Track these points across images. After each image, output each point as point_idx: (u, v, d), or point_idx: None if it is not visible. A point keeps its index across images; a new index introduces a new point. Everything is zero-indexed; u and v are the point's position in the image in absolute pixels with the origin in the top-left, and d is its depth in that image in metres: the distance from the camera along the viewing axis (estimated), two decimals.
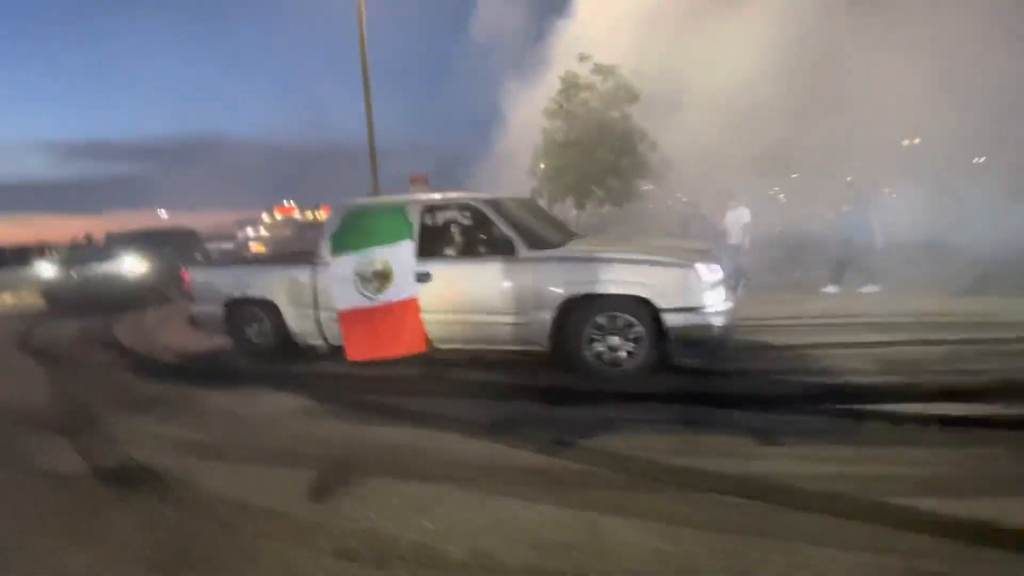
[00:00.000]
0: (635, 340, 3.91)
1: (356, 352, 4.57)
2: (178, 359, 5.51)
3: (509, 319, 4.19)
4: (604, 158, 10.03)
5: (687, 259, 3.85)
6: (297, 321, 4.92)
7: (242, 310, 5.19)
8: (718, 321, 3.74)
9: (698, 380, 3.88)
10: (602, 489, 2.50)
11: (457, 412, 3.55)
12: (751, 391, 3.63)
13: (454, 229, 4.77)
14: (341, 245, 4.67)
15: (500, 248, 4.25)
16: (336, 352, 4.83)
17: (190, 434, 3.44)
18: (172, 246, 10.38)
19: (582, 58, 9.89)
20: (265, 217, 32.31)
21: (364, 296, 4.53)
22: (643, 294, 3.80)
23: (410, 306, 4.42)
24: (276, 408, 3.85)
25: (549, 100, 10.93)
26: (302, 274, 4.87)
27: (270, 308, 5.02)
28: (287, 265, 5.11)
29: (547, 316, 4.06)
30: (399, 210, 4.59)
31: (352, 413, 3.67)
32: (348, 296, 4.57)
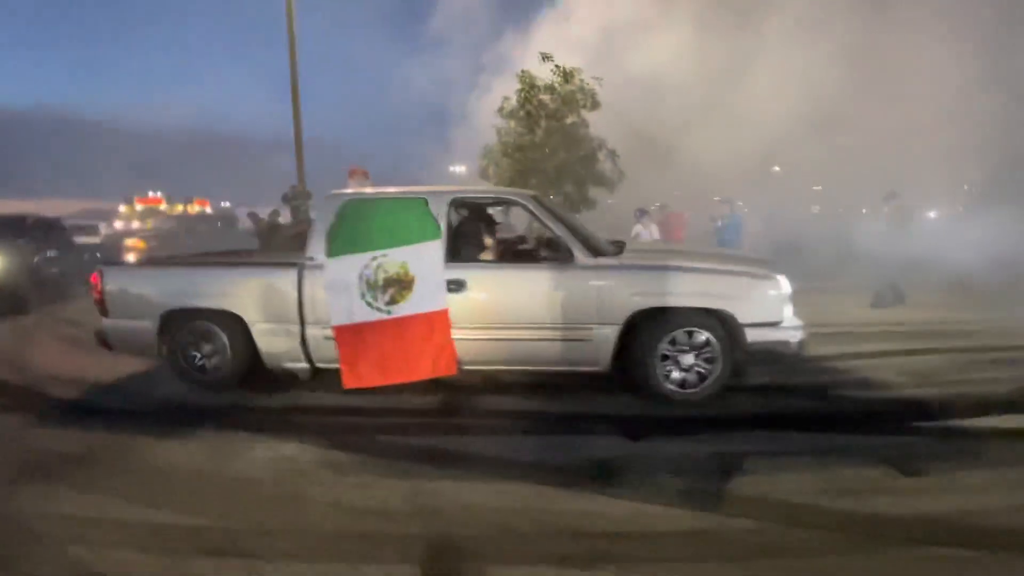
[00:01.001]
0: (709, 358, 3.52)
1: (357, 377, 3.63)
2: (86, 395, 4.02)
3: (564, 336, 3.56)
4: (563, 163, 9.75)
5: (766, 270, 3.57)
6: (272, 339, 3.81)
7: (186, 326, 3.92)
8: (797, 336, 3.49)
9: (775, 400, 3.61)
10: (801, 554, 2.01)
11: (528, 454, 2.85)
12: (839, 410, 3.44)
13: (490, 229, 4.03)
14: (340, 244, 3.70)
15: (554, 253, 3.61)
16: (324, 379, 3.83)
17: (155, 516, 2.30)
18: (30, 239, 8.01)
19: (544, 58, 9.51)
20: (123, 208, 27.69)
21: (372, 308, 3.62)
22: (726, 307, 3.43)
23: (438, 320, 3.61)
24: (275, 462, 2.81)
25: (504, 99, 10.43)
26: (283, 279, 3.78)
27: (231, 323, 3.84)
28: (259, 267, 3.95)
29: (611, 332, 3.51)
30: (421, 204, 3.75)
31: (392, 463, 2.76)
32: (349, 307, 3.63)
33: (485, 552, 2.02)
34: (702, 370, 3.53)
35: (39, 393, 4.00)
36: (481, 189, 3.88)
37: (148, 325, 3.91)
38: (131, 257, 12.05)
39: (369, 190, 3.92)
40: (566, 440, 3.06)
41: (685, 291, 3.45)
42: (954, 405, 3.46)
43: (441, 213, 3.70)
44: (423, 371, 3.65)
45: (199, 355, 3.94)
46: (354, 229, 3.76)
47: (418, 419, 3.46)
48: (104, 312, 4.01)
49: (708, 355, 3.51)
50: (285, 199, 10.35)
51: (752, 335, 3.42)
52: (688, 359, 3.52)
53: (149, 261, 4.33)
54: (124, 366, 4.48)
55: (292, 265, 3.84)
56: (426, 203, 3.75)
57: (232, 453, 2.92)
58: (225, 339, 3.89)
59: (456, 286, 3.58)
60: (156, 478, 2.66)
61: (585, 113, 9.82)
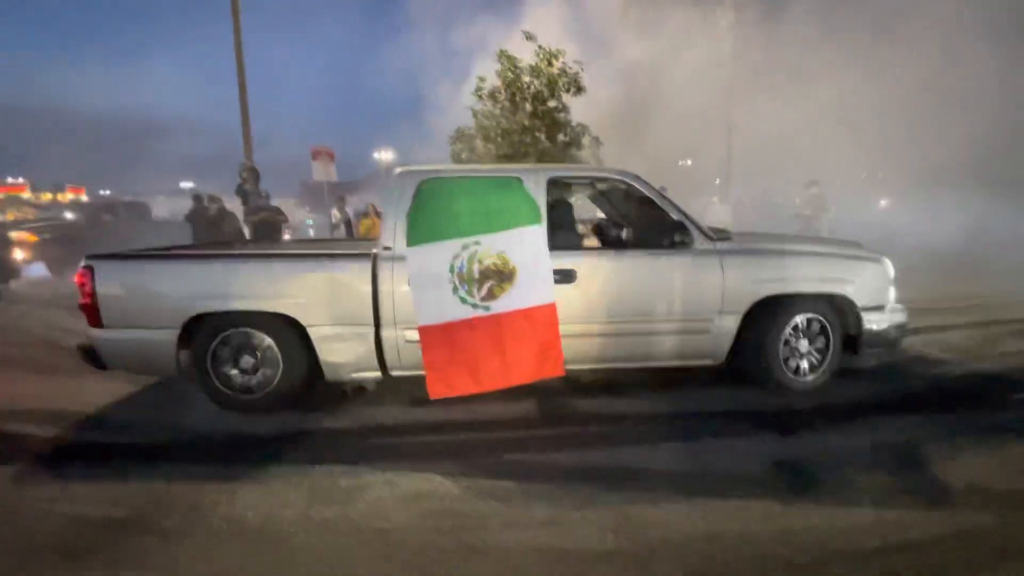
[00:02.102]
0: (822, 345, 3.43)
1: (447, 385, 3.11)
2: (85, 431, 3.06)
3: (683, 328, 3.28)
4: (547, 149, 9.44)
5: (871, 253, 3.54)
6: (337, 346, 3.13)
7: (220, 335, 3.11)
8: (902, 319, 3.51)
9: (877, 383, 3.60)
10: None
11: (693, 462, 2.53)
12: (943, 389, 3.49)
13: (599, 210, 3.61)
14: (423, 231, 3.13)
15: (670, 237, 3.30)
16: (391, 390, 3.25)
17: None
18: None
19: (528, 37, 9.09)
20: None
21: (466, 304, 3.10)
22: (844, 291, 3.34)
23: (545, 316, 3.16)
24: (412, 502, 2.22)
25: (479, 80, 9.86)
26: (354, 273, 3.11)
27: (284, 328, 3.11)
28: (322, 260, 3.21)
29: (733, 323, 3.29)
30: (516, 183, 3.26)
31: (560, 488, 2.30)
32: (439, 304, 3.09)
33: None
34: (814, 358, 3.43)
35: (17, 435, 2.97)
36: (579, 167, 3.44)
37: (164, 336, 3.06)
38: (21, 254, 9.96)
39: (442, 167, 3.33)
40: (720, 443, 2.78)
41: (808, 276, 3.31)
42: None
43: (539, 194, 3.24)
44: (525, 374, 3.19)
45: (239, 371, 3.16)
46: (437, 212, 3.19)
47: (535, 431, 3.00)
48: (96, 321, 3.07)
49: (821, 342, 3.42)
50: (240, 190, 9.00)
51: (868, 319, 3.38)
52: (804, 346, 3.40)
53: (155, 253, 3.37)
54: (97, 390, 3.53)
55: (363, 256, 3.17)
56: (521, 183, 3.27)
57: (345, 494, 2.30)
58: (276, 349, 3.14)
59: (567, 276, 3.16)
60: (257, 541, 1.99)
61: (566, 98, 9.54)
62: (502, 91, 9.37)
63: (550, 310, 3.16)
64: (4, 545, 1.98)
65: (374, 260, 3.13)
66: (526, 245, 3.17)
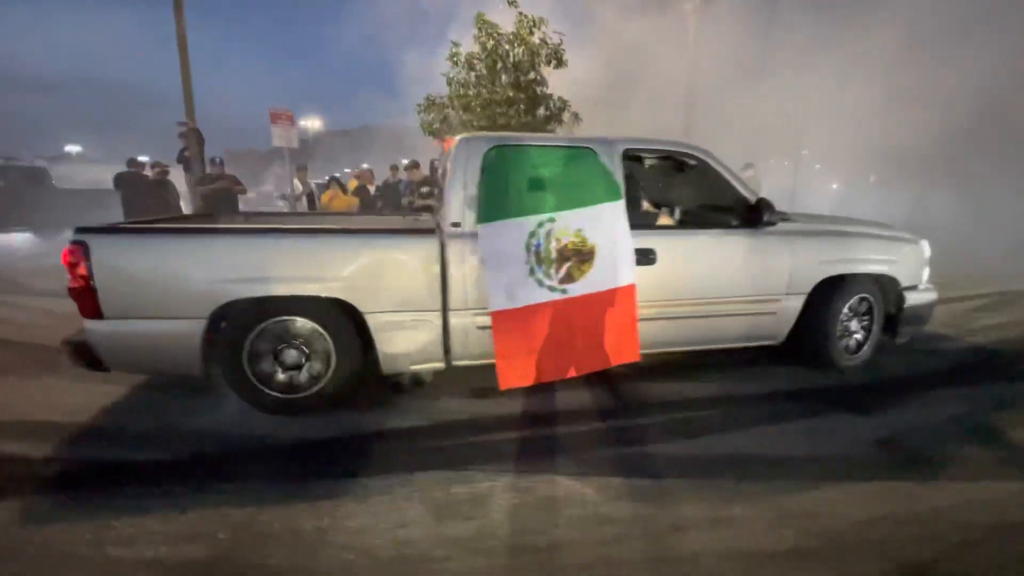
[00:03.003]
0: (867, 324, 3.55)
1: (519, 375, 2.88)
2: (95, 448, 2.44)
3: (754, 310, 3.24)
4: (527, 123, 9.12)
5: (911, 234, 3.68)
6: (399, 335, 2.76)
7: (258, 325, 2.62)
8: (933, 297, 3.71)
9: (916, 358, 3.79)
10: None
11: (795, 446, 2.50)
12: (983, 362, 3.76)
13: (668, 187, 3.42)
14: (495, 206, 2.81)
15: (741, 216, 3.21)
16: (445, 381, 2.96)
17: None
18: None
19: (510, 2, 8.61)
20: None
21: (543, 287, 2.86)
22: (891, 272, 3.46)
23: (624, 298, 2.99)
24: (555, 507, 2.01)
25: (453, 45, 9.25)
26: (419, 252, 2.73)
27: (337, 315, 2.68)
28: (382, 236, 2.77)
29: (797, 303, 3.30)
30: (591, 155, 3.01)
31: (705, 483, 2.17)
32: (512, 287, 2.82)
33: None
34: (860, 336, 3.55)
35: (17, 457, 2.31)
36: (651, 140, 3.23)
37: (186, 328, 2.52)
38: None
39: (499, 135, 2.98)
40: (810, 424, 2.75)
41: (865, 257, 3.38)
42: None
43: (616, 167, 3.02)
44: (601, 360, 3.02)
45: (273, 366, 2.68)
46: (509, 186, 2.88)
47: (622, 420, 2.81)
48: (91, 310, 2.46)
49: (867, 320, 3.54)
50: (181, 157, 7.83)
51: (910, 298, 3.53)
52: (854, 325, 3.51)
53: (166, 227, 2.72)
54: (74, 394, 2.92)
55: (428, 233, 2.79)
56: (596, 155, 3.02)
57: (469, 506, 2.00)
58: (328, 339, 2.70)
59: (647, 257, 2.99)
60: (405, 573, 1.67)
61: (546, 71, 9.22)
62: (480, 58, 8.83)
63: (630, 292, 2.98)
64: None
65: (441, 238, 2.76)
66: (605, 223, 2.95)
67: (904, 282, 3.51)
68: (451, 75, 9.30)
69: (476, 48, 8.99)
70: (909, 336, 3.69)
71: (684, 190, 3.43)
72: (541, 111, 9.26)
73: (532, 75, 9.13)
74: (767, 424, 2.76)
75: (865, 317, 3.51)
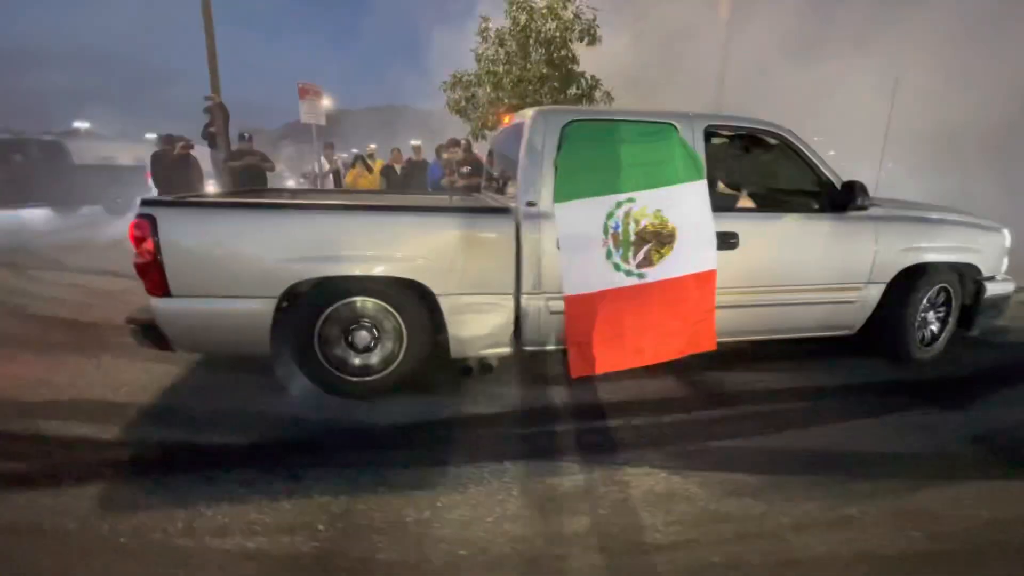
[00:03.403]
0: (944, 315, 3.41)
1: (591, 363, 2.75)
2: (160, 428, 2.37)
3: (833, 298, 3.11)
4: (560, 100, 8.88)
5: (993, 222, 3.51)
6: (470, 318, 2.64)
7: (328, 306, 2.52)
8: (1012, 288, 3.55)
9: (1005, 351, 3.65)
10: None
11: (895, 442, 2.40)
12: None
13: (748, 168, 3.26)
14: (572, 184, 2.66)
15: (825, 199, 3.05)
16: (507, 367, 2.85)
17: None
18: None
19: None
20: None
21: (620, 271, 2.72)
22: (973, 261, 3.30)
23: (705, 284, 2.85)
24: (666, 503, 1.91)
25: (483, 20, 8.97)
26: (494, 232, 2.60)
27: (410, 297, 2.57)
28: (454, 215, 2.64)
29: (877, 292, 3.16)
30: (671, 132, 2.84)
31: (819, 479, 2.07)
32: (588, 271, 2.68)
33: None
34: (935, 327, 3.41)
35: (66, 438, 2.24)
36: (733, 117, 3.06)
37: (257, 307, 2.41)
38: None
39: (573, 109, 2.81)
40: (898, 420, 2.63)
41: (948, 245, 3.22)
42: None
43: (698, 145, 2.86)
44: (676, 349, 2.89)
45: (346, 349, 2.59)
46: (587, 163, 2.72)
47: (705, 412, 2.67)
48: (159, 287, 2.35)
49: (943, 311, 3.40)
50: (207, 133, 7.65)
51: (991, 289, 3.38)
52: (931, 316, 3.37)
53: (236, 201, 2.61)
54: (125, 373, 2.85)
55: (503, 211, 2.66)
56: (676, 131, 2.86)
57: (574, 500, 1.90)
58: (401, 321, 2.60)
59: (729, 241, 2.84)
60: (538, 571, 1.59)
61: (578, 48, 8.92)
62: (512, 34, 8.56)
63: (710, 277, 2.83)
64: None
65: (516, 217, 2.63)
66: (687, 204, 2.79)
67: (985, 272, 3.36)
68: (480, 51, 9.05)
69: (507, 23, 8.71)
70: (984, 328, 3.55)
71: (764, 171, 3.27)
72: (573, 89, 9.00)
73: (565, 51, 8.86)
74: (855, 418, 2.64)
75: (942, 308, 3.37)
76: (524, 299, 2.69)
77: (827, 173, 3.04)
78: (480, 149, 8.82)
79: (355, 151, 8.29)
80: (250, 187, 6.82)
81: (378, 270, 2.49)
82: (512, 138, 3.00)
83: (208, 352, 2.76)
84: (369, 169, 8.14)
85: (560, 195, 2.65)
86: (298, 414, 2.48)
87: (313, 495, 1.88)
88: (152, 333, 2.44)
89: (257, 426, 2.36)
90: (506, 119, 3.42)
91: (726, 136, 3.09)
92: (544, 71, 8.29)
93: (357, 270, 2.47)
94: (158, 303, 2.39)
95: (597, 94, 9.14)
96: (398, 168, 8.13)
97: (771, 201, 3.17)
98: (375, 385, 2.63)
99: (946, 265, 3.25)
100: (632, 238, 2.72)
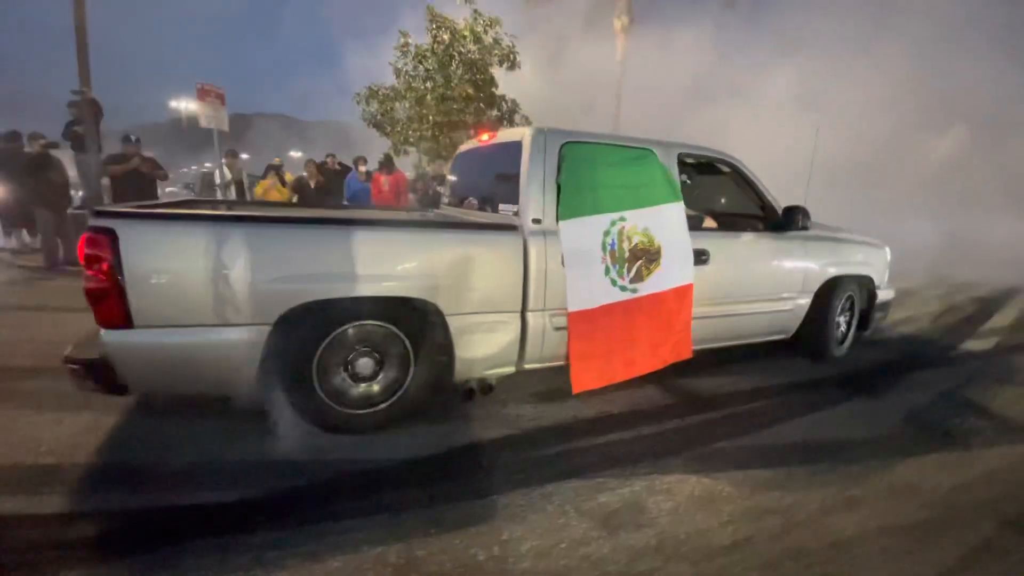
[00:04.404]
0: (849, 319, 4.07)
1: (592, 376, 2.88)
2: (158, 492, 1.88)
3: (776, 307, 3.54)
4: (482, 121, 9.01)
5: (878, 240, 4.27)
6: (477, 338, 2.56)
7: (331, 331, 2.26)
8: (892, 295, 4.36)
9: (886, 349, 4.40)
10: None
11: (867, 431, 2.80)
12: (934, 351, 4.45)
13: (709, 191, 3.55)
14: (573, 204, 2.77)
15: (769, 220, 3.49)
16: (503, 387, 2.85)
17: None
18: None
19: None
20: None
21: (616, 286, 2.88)
22: (871, 273, 4.00)
23: (685, 297, 3.11)
24: (708, 505, 2.00)
25: (402, 35, 8.83)
26: (503, 249, 2.56)
27: (417, 318, 2.42)
28: (464, 231, 2.53)
29: (807, 300, 3.68)
30: (652, 156, 3.08)
31: (826, 464, 2.32)
32: (590, 287, 2.80)
33: None
34: (844, 329, 4.06)
35: (23, 517, 1.69)
36: (697, 146, 3.36)
37: (244, 337, 2.09)
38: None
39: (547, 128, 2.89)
40: (845, 410, 3.06)
41: (857, 260, 3.87)
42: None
43: (674, 170, 3.12)
44: (663, 358, 3.11)
45: (353, 379, 2.35)
46: (583, 182, 2.83)
47: (698, 416, 2.83)
48: (117, 317, 1.94)
49: (849, 316, 4.06)
50: (70, 132, 6.45)
51: (881, 296, 4.12)
52: (843, 320, 4.00)
53: (218, 214, 2.19)
54: (53, 427, 2.31)
55: (511, 228, 2.63)
56: (656, 156, 3.09)
57: (625, 513, 1.91)
58: (407, 345, 2.42)
59: (702, 257, 3.12)
60: None
61: (497, 72, 9.18)
62: (433, 52, 8.53)
63: (688, 291, 3.09)
64: None
65: (523, 235, 2.62)
66: (669, 223, 3.03)
67: (877, 282, 4.08)
68: (400, 65, 8.88)
69: (428, 40, 8.68)
70: (874, 328, 4.30)
71: (722, 195, 3.64)
72: (494, 111, 9.20)
73: (485, 75, 9.04)
74: (811, 412, 3.02)
75: (847, 312, 4.02)
76: (529, 316, 2.67)
77: (769, 198, 3.50)
78: (401, 164, 8.59)
79: (275, 163, 7.53)
80: (138, 199, 5.89)
81: (386, 290, 2.30)
82: (503, 155, 2.99)
83: (172, 391, 2.29)
84: (283, 181, 7.47)
85: (565, 213, 2.71)
86: (291, 459, 2.17)
87: (362, 548, 1.65)
88: (101, 373, 1.98)
89: (250, 478, 2.02)
90: (484, 135, 3.40)
91: (692, 163, 3.40)
92: (470, 91, 8.36)
93: (364, 290, 2.26)
94: (114, 336, 1.95)
95: (516, 117, 9.46)
96: (312, 182, 7.55)
97: (728, 222, 3.55)
98: (378, 417, 2.41)
99: (852, 277, 3.89)
100: (626, 255, 2.87)
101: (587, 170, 2.85)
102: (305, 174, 7.47)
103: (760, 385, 3.40)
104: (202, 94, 6.68)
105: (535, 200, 2.69)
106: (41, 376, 2.89)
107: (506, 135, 3.10)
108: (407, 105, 8.67)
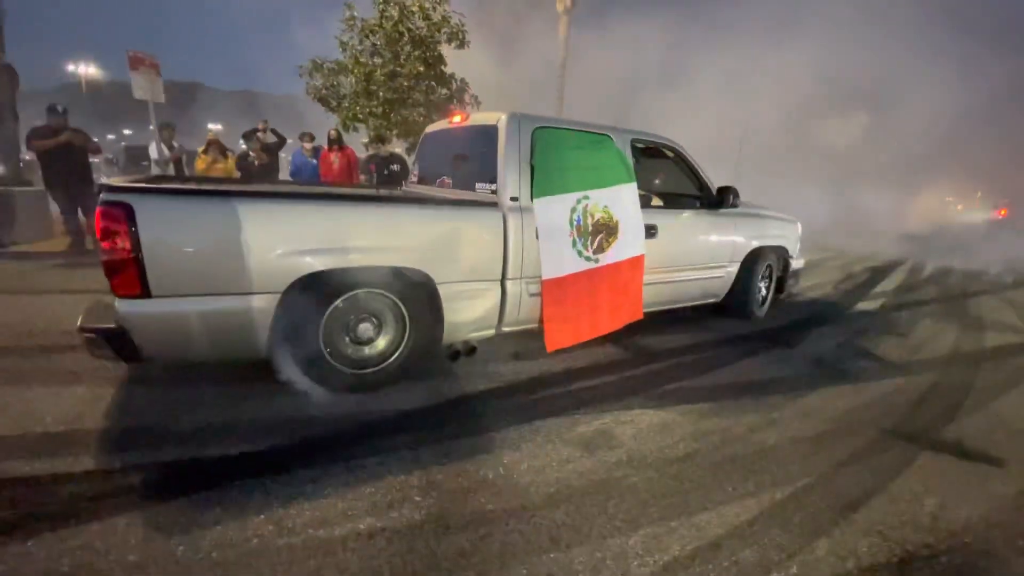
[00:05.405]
0: (767, 284, 4.74)
1: (563, 337, 3.29)
2: (181, 447, 2.01)
3: (710, 274, 4.10)
4: (434, 100, 9.05)
5: (791, 216, 4.95)
6: (463, 304, 2.87)
7: (335, 299, 2.49)
8: (802, 264, 5.09)
9: (792, 311, 5.14)
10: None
11: (785, 371, 3.41)
12: (833, 310, 5.25)
13: (655, 173, 3.96)
14: (545, 183, 3.12)
15: (706, 199, 4.01)
16: (486, 348, 3.21)
17: None
18: None
19: None
20: None
21: (582, 257, 3.29)
22: (786, 245, 4.67)
23: (638, 267, 3.57)
24: (668, 429, 2.46)
25: (347, 7, 8.62)
26: (486, 223, 2.86)
27: (413, 287, 2.68)
28: (452, 207, 2.77)
29: (735, 269, 4.27)
30: (609, 142, 3.47)
31: (752, 396, 2.86)
32: (560, 257, 3.19)
33: None
34: (764, 293, 4.73)
35: (59, 475, 1.79)
36: (646, 132, 3.77)
37: (257, 305, 2.28)
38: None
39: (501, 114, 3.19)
40: (771, 357, 3.67)
41: (775, 233, 4.51)
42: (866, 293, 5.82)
43: (628, 154, 3.54)
44: (621, 320, 3.56)
45: (355, 342, 2.59)
46: (553, 165, 3.18)
47: (646, 367, 3.34)
48: (135, 287, 2.07)
49: (767, 282, 4.74)
50: None
51: (794, 265, 4.83)
52: (763, 286, 4.66)
53: (230, 189, 2.26)
54: (53, 399, 2.39)
55: (492, 205, 2.93)
56: (612, 141, 3.49)
57: (603, 438, 2.32)
58: (404, 311, 2.68)
59: (651, 231, 3.58)
60: (602, 488, 1.98)
61: (446, 50, 9.21)
62: (382, 27, 8.42)
63: (640, 261, 3.55)
64: None
65: (502, 210, 2.93)
66: (625, 201, 3.45)
67: (791, 252, 4.78)
68: (345, 39, 8.68)
69: (375, 15, 8.54)
70: (788, 292, 5.03)
71: (666, 176, 4.11)
72: (444, 90, 9.25)
73: (436, 52, 9.04)
74: (741, 360, 3.60)
75: (766, 279, 4.69)
76: (508, 284, 3.00)
77: (705, 179, 4.01)
78: (349, 141, 8.49)
79: (213, 137, 7.19)
80: (70, 176, 5.55)
81: (387, 261, 2.54)
82: (477, 137, 3.25)
83: (187, 358, 2.40)
84: (224, 155, 7.20)
85: (538, 191, 3.04)
86: (299, 415, 2.39)
87: (387, 476, 1.95)
88: (118, 341, 2.09)
89: (269, 432, 2.23)
90: (456, 116, 3.63)
91: (641, 147, 3.82)
92: (420, 69, 8.37)
93: (365, 261, 2.48)
94: (132, 306, 2.07)
95: (466, 96, 9.56)
96: (256, 162, 7.33)
97: (671, 200, 4.04)
98: (377, 377, 2.66)
99: (771, 248, 4.55)
100: (590, 229, 3.26)
101: (556, 153, 3.18)
102: (251, 154, 7.24)
103: (697, 341, 3.96)
104: (135, 62, 6.27)
105: (512, 179, 2.99)
106: (11, 355, 2.87)
107: (480, 118, 3.36)
108: (353, 80, 8.53)
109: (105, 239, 2.00)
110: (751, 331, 4.29)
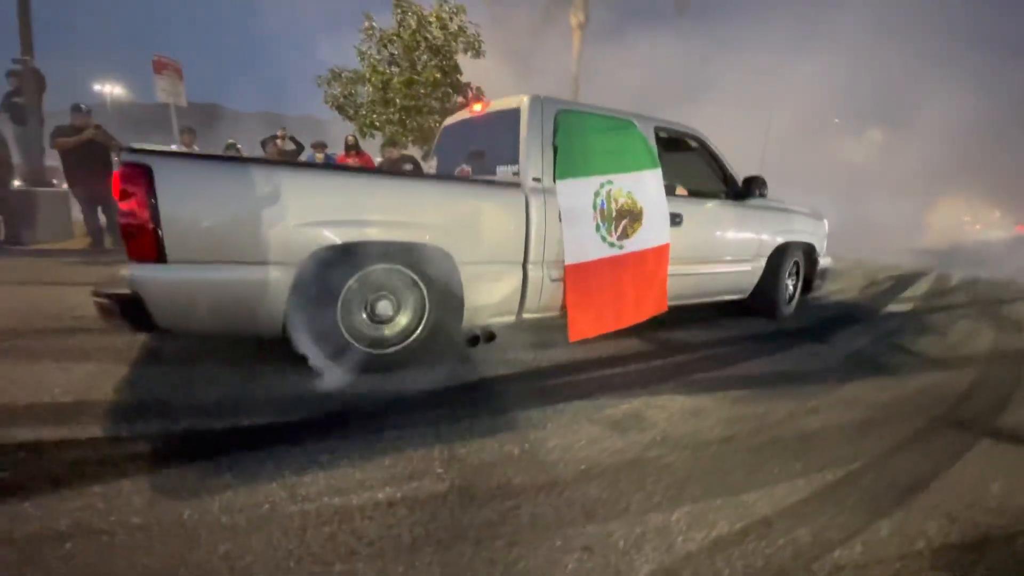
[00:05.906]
0: (795, 282, 4.58)
1: (586, 326, 3.15)
2: (205, 418, 1.92)
3: (737, 268, 3.97)
4: (449, 107, 9.13)
5: (819, 212, 4.82)
6: (484, 286, 2.77)
7: (354, 273, 2.41)
8: (830, 263, 4.93)
9: (821, 310, 4.97)
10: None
11: (817, 365, 3.25)
12: (866, 311, 5.06)
13: (680, 161, 3.88)
14: (568, 165, 3.04)
15: (731, 191, 3.90)
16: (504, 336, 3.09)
17: None
18: None
19: None
20: None
21: (606, 243, 3.18)
22: (814, 242, 4.52)
23: (663, 256, 3.45)
24: (701, 415, 2.31)
25: (366, 17, 8.79)
26: (508, 204, 2.78)
27: (434, 264, 2.59)
28: (474, 186, 2.71)
29: (761, 264, 4.14)
30: (633, 128, 3.39)
31: (786, 385, 2.70)
32: (583, 242, 3.09)
33: None
34: (791, 290, 4.57)
35: (65, 441, 1.71)
36: (670, 121, 3.70)
37: (273, 276, 2.20)
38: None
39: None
40: (798, 352, 3.50)
41: (803, 229, 4.38)
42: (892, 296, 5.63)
43: (651, 140, 3.46)
44: (646, 311, 3.43)
45: (372, 320, 2.49)
46: (575, 147, 3.11)
47: (678, 357, 3.18)
48: (150, 252, 2.01)
49: (795, 279, 4.58)
50: (8, 103, 6.03)
51: (822, 262, 4.67)
52: (791, 283, 4.50)
53: (248, 157, 2.23)
54: (60, 372, 2.31)
55: (515, 186, 2.85)
56: (636, 127, 3.42)
57: (634, 421, 2.17)
58: (423, 289, 2.59)
59: (676, 219, 3.47)
60: (632, 467, 1.83)
61: (461, 59, 9.34)
62: (400, 37, 8.57)
63: (665, 250, 3.43)
64: None
65: (525, 191, 2.85)
66: (649, 188, 3.35)
67: (818, 250, 4.63)
68: (364, 48, 8.84)
69: (393, 24, 8.70)
70: (816, 291, 4.86)
71: (690, 165, 4.02)
72: (459, 98, 9.33)
73: (453, 61, 9.16)
74: (772, 354, 3.44)
75: (794, 276, 4.53)
76: (530, 267, 2.90)
77: (730, 170, 3.91)
78: (366, 148, 8.56)
79: (233, 141, 7.29)
80: (93, 173, 5.62)
81: (408, 236, 2.46)
82: (499, 122, 3.20)
83: (200, 329, 2.32)
84: None
85: (561, 173, 2.97)
86: (313, 391, 2.28)
87: (407, 450, 1.83)
88: (130, 307, 2.02)
89: (283, 406, 2.13)
90: (476, 106, 3.59)
91: (664, 136, 3.75)
92: (437, 76, 8.46)
93: (386, 235, 2.41)
94: (147, 272, 2.01)
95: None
96: None
97: (696, 190, 3.93)
98: (395, 357, 2.56)
99: (799, 244, 4.40)
100: (614, 214, 3.16)
101: (579, 136, 3.11)
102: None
103: (724, 336, 3.81)
104: (159, 66, 6.41)
105: (534, 160, 2.92)
106: (20, 336, 2.82)
107: (501, 103, 3.31)
108: (370, 89, 8.64)
109: (123, 200, 1.95)
110: (779, 328, 4.13)
